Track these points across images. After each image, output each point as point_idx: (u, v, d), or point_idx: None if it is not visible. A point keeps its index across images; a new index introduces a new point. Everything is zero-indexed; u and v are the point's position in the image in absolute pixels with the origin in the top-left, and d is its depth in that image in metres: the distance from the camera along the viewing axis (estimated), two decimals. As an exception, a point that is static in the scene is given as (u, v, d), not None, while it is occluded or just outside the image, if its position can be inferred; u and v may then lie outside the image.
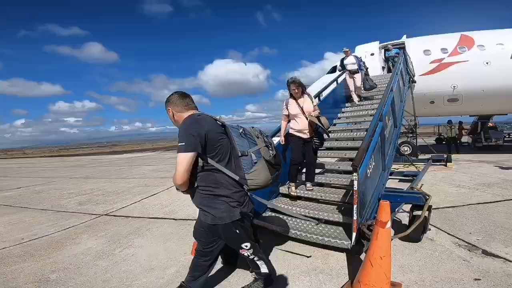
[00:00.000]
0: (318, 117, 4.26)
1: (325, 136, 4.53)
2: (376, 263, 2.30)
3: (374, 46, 13.41)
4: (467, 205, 4.98)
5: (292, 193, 4.53)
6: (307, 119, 4.31)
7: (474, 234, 3.64)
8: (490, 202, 5.08)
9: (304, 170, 4.97)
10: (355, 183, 3.07)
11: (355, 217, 3.09)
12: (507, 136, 19.42)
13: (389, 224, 2.41)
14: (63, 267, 3.48)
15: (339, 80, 8.84)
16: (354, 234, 3.10)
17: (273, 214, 4.36)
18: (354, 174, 3.08)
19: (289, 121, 4.60)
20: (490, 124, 16.60)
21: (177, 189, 2.27)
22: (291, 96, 4.45)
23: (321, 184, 4.88)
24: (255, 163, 2.14)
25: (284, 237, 3.79)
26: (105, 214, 6.06)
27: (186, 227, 4.82)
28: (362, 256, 3.13)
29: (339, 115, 7.83)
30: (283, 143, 4.63)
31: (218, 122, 2.16)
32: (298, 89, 4.33)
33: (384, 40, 13.76)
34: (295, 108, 4.38)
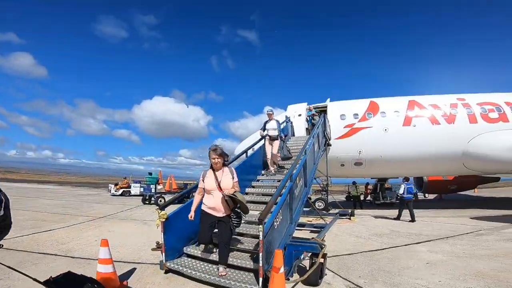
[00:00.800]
0: (233, 195, 3.80)
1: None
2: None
3: (302, 107, 13.93)
4: (361, 252, 5.74)
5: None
6: (223, 196, 3.83)
7: (363, 277, 4.22)
8: (378, 250, 5.97)
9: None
10: (260, 234, 3.43)
11: (261, 264, 3.39)
12: (398, 195, 23.38)
13: (282, 269, 2.77)
14: None
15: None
16: (260, 279, 3.37)
17: (189, 259, 4.41)
18: (260, 226, 3.45)
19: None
20: (386, 186, 19.69)
21: None
22: (211, 166, 3.96)
23: (241, 234, 5.06)
24: None
25: (199, 281, 3.89)
26: None
27: (85, 266, 4.48)
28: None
29: (263, 172, 8.03)
30: (192, 218, 4.00)
31: None
32: (219, 159, 3.87)
33: (314, 101, 14.76)
34: (212, 182, 3.86)
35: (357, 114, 13.47)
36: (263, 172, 8.03)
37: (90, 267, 4.38)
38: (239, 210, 3.96)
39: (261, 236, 3.38)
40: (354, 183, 17.23)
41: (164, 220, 4.14)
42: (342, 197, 23.36)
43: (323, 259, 3.83)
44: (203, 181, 3.93)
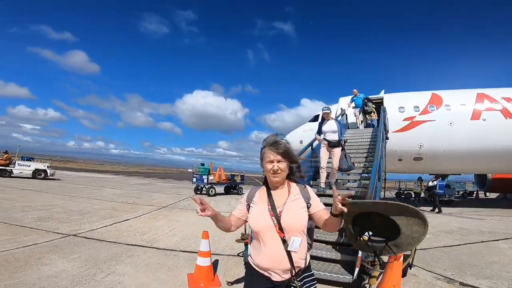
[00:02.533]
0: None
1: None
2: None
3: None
4: (435, 247, 5.71)
5: None
6: (285, 245, 1.69)
7: (448, 270, 4.25)
8: (454, 245, 5.91)
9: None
10: None
11: (360, 254, 3.49)
12: (457, 193, 21.89)
13: (401, 258, 2.79)
14: (35, 291, 3.15)
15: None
16: (357, 269, 3.48)
17: None
18: None
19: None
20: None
21: None
22: (265, 182, 1.90)
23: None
24: None
25: None
26: (73, 235, 5.67)
27: (173, 258, 4.65)
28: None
29: (311, 182, 7.22)
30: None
31: None
32: (282, 163, 1.75)
33: (365, 92, 13.78)
34: (263, 213, 1.78)
35: (417, 107, 12.86)
36: (312, 182, 7.16)
37: (178, 259, 4.62)
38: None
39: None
40: (419, 178, 16.62)
41: None
42: (390, 194, 22.50)
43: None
44: (247, 209, 1.88)
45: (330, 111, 6.67)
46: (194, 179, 16.66)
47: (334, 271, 3.74)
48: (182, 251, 5.03)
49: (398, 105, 13.10)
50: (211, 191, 15.61)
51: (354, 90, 12.88)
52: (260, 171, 1.89)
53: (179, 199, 13.11)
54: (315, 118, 15.01)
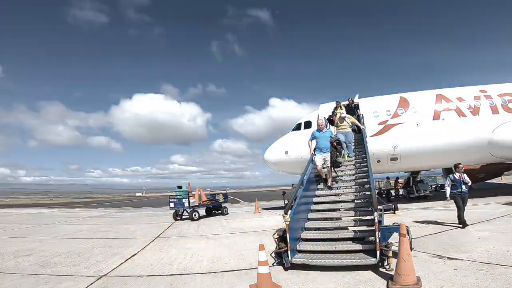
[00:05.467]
0: None
1: None
2: (407, 259, 4.65)
3: (333, 106, 15.27)
4: (423, 236, 8.10)
5: None
6: None
7: (437, 251, 6.48)
8: (437, 233, 8.39)
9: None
10: (377, 220, 5.60)
11: (377, 240, 5.51)
12: (430, 188, 26.07)
13: (407, 235, 4.74)
14: None
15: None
16: (378, 252, 5.47)
17: (306, 254, 6.22)
18: (376, 213, 5.66)
19: None
20: (418, 178, 22.21)
21: None
22: None
23: (340, 228, 6.95)
24: None
25: (319, 269, 5.74)
26: (104, 275, 6.39)
27: (223, 278, 5.77)
28: (383, 270, 5.43)
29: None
30: None
31: None
32: None
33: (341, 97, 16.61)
34: None
35: (389, 111, 16.14)
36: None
37: (228, 277, 5.74)
38: None
39: (376, 220, 5.58)
40: (388, 178, 20.14)
41: (288, 223, 5.90)
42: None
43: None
44: None
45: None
46: (172, 204, 17.21)
47: (361, 258, 5.65)
48: (224, 271, 6.18)
49: (372, 110, 16.16)
50: (195, 215, 16.51)
51: (319, 121, 10.39)
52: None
53: (164, 228, 13.91)
54: (297, 127, 17.41)
